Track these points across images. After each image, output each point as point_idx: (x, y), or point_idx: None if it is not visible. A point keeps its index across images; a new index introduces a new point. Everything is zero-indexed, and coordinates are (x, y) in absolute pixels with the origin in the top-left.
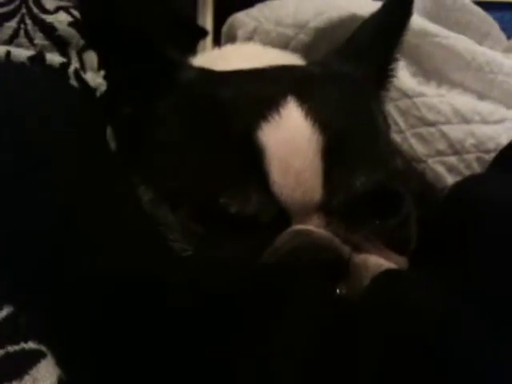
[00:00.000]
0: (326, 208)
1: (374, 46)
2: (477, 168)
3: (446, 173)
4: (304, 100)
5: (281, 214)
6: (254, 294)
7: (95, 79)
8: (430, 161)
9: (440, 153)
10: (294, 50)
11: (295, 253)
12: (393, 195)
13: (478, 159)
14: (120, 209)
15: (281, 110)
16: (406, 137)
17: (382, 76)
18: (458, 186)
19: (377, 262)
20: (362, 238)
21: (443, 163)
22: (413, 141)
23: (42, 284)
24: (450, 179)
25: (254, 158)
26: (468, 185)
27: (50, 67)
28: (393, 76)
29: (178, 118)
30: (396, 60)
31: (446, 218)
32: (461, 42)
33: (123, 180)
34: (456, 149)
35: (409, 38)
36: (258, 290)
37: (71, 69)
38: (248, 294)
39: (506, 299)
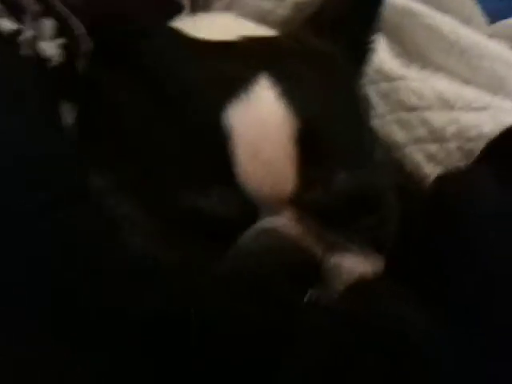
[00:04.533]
0: (300, 202)
1: (351, 16)
2: (457, 157)
3: (425, 161)
4: (278, 78)
5: (246, 207)
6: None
7: (50, 49)
8: (408, 148)
9: (420, 140)
10: (271, 25)
11: (261, 252)
12: (373, 191)
13: (460, 148)
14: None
15: (250, 89)
16: (384, 122)
17: (361, 51)
18: (440, 181)
19: (351, 265)
20: (337, 236)
21: (423, 151)
22: (392, 126)
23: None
24: (429, 168)
25: (217, 143)
26: (452, 183)
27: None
28: (371, 50)
29: (136, 92)
30: (374, 31)
31: (427, 217)
32: (445, 23)
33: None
34: (436, 136)
35: (391, 16)
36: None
37: (24, 36)
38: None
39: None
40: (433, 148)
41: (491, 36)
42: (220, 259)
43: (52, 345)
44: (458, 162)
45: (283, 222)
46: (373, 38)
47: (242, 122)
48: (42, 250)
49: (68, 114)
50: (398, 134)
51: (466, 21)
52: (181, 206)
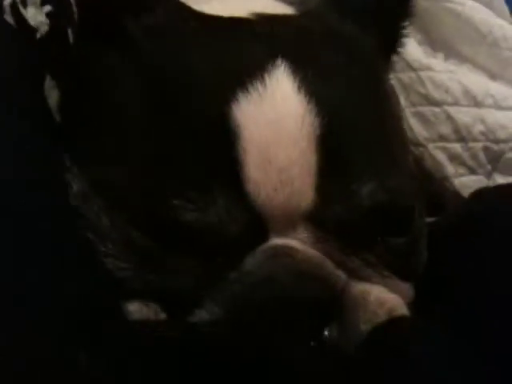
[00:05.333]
0: (318, 219)
1: None
2: (483, 159)
3: (446, 161)
4: (299, 66)
5: (255, 224)
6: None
7: (37, 16)
8: (430, 146)
9: (443, 138)
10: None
11: (271, 281)
12: (404, 207)
13: (486, 149)
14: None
15: (266, 79)
16: (405, 116)
17: (391, 38)
18: (479, 201)
19: (378, 296)
20: (361, 261)
21: (445, 150)
22: (413, 121)
23: None
24: (451, 169)
25: (223, 145)
26: (494, 205)
27: None
28: (403, 37)
29: (129, 77)
30: (408, 16)
31: (462, 241)
32: (477, 12)
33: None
34: (462, 135)
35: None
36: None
37: (7, 1)
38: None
39: None
40: (456, 147)
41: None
42: (221, 282)
43: (52, 345)
44: (483, 163)
45: (297, 243)
46: (406, 23)
47: (252, 121)
48: (42, 249)
49: (52, 93)
50: (419, 130)
51: (487, 5)
52: (175, 219)
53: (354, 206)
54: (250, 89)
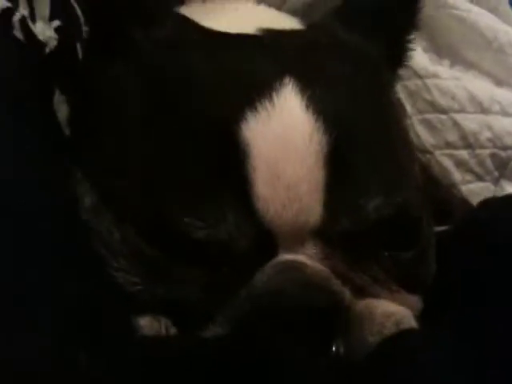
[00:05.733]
0: (326, 235)
1: (387, 9)
2: (490, 166)
3: (453, 168)
4: (306, 82)
5: (265, 239)
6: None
7: (45, 31)
8: (437, 152)
9: (450, 145)
10: (290, 12)
11: (279, 293)
12: (411, 220)
13: (493, 156)
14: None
15: (274, 96)
16: (412, 123)
17: (398, 50)
18: (484, 208)
19: (385, 309)
20: (369, 278)
21: (452, 157)
22: (420, 128)
23: None
24: (458, 175)
25: (232, 162)
26: (498, 212)
27: None
28: (410, 51)
29: (136, 91)
30: (415, 29)
31: (466, 246)
32: (483, 18)
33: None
34: (469, 141)
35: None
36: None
37: (17, 16)
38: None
39: None
40: (464, 154)
41: None
42: (230, 298)
43: (52, 345)
44: (490, 169)
45: (305, 258)
46: (412, 36)
47: (261, 136)
48: (42, 249)
49: (61, 108)
50: (426, 137)
51: (492, 10)
52: (186, 236)
53: (362, 221)
54: (259, 106)
